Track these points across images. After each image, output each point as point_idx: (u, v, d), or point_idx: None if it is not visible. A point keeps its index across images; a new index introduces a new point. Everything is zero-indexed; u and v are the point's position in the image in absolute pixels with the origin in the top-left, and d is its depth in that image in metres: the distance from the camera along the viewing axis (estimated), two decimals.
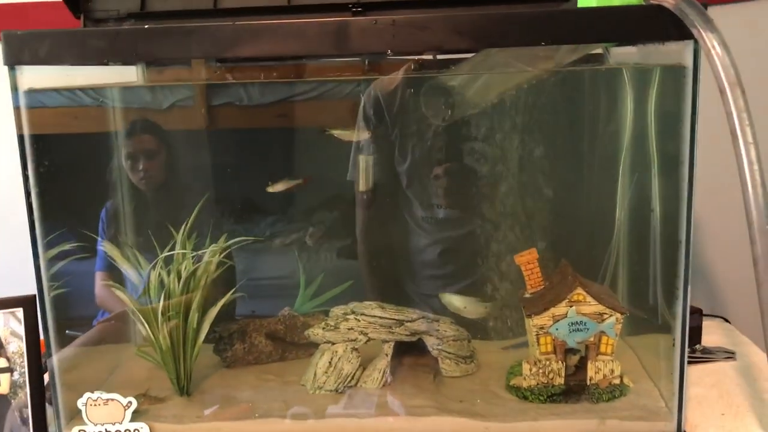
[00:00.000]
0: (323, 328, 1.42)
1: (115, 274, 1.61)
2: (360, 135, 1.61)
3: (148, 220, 1.65)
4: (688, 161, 1.19)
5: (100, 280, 1.69)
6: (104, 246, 1.43)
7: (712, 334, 1.80)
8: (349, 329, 1.41)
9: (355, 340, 1.41)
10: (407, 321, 1.41)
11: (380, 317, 1.41)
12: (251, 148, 1.93)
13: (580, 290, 1.31)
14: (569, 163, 1.56)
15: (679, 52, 1.18)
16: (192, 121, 1.81)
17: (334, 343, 1.41)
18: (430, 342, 1.43)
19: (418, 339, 1.43)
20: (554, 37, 1.17)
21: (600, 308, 1.31)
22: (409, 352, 1.45)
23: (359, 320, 1.41)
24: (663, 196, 1.41)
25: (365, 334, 1.41)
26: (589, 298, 1.31)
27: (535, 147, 1.51)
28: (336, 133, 1.58)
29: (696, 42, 1.12)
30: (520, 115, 1.49)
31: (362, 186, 1.57)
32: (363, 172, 1.57)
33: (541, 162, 1.53)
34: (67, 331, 1.55)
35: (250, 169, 1.85)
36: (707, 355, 1.67)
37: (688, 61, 1.14)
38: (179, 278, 1.35)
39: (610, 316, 1.31)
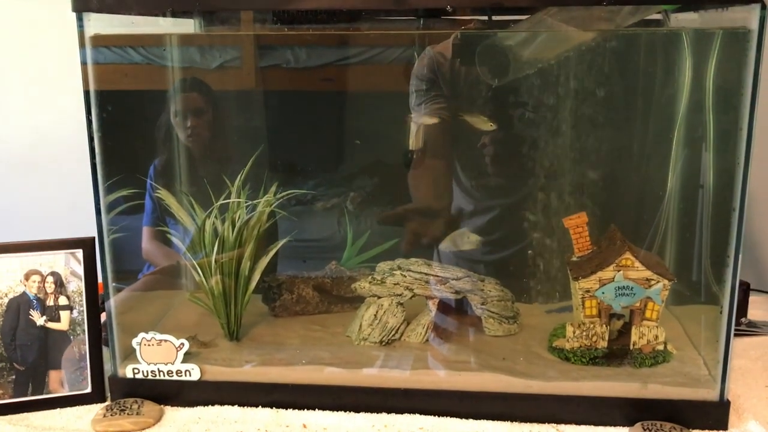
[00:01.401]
0: (370, 282, 1.45)
1: (163, 230, 1.68)
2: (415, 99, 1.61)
3: (195, 176, 1.68)
4: (747, 127, 1.18)
5: (147, 235, 1.75)
6: (160, 194, 1.47)
7: (758, 309, 1.79)
8: (395, 284, 1.43)
9: (400, 295, 1.43)
10: (453, 279, 1.43)
11: (426, 274, 1.43)
12: (296, 111, 1.91)
13: (628, 255, 1.31)
14: (622, 129, 1.54)
15: (743, 17, 1.16)
16: (240, 82, 1.82)
17: (379, 297, 1.44)
18: (474, 301, 1.45)
19: (463, 297, 1.45)
20: None
21: (647, 274, 1.31)
22: (453, 310, 1.47)
23: (405, 276, 1.44)
24: (718, 165, 1.39)
25: (410, 290, 1.43)
26: (637, 264, 1.31)
27: (588, 114, 1.50)
28: (470, 119, 1.54)
29: (763, 7, 1.11)
30: (574, 79, 1.47)
31: (412, 145, 1.58)
32: (414, 134, 1.57)
33: (593, 129, 1.52)
34: (113, 284, 1.64)
35: (294, 132, 1.85)
36: (752, 329, 1.66)
37: (753, 25, 1.12)
38: (233, 227, 1.38)
39: (658, 282, 1.31)
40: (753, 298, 1.79)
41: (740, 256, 1.26)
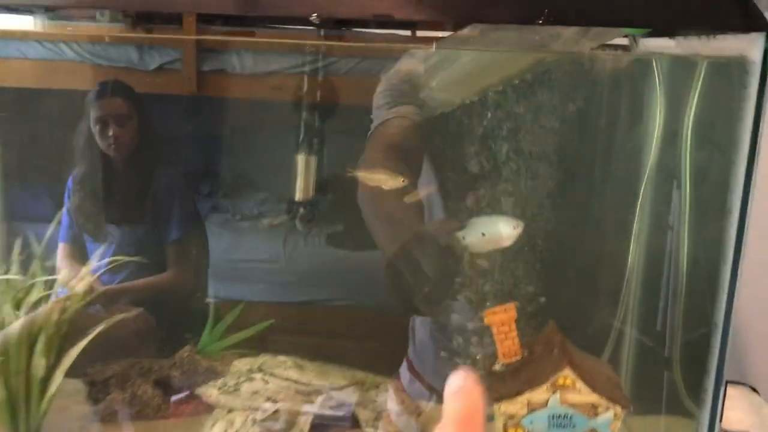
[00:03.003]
0: (219, 389, 1.06)
1: (80, 248, 1.55)
2: None
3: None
4: (741, 200, 0.82)
5: (62, 252, 1.56)
6: None
7: (735, 409, 1.47)
8: (253, 393, 1.05)
9: (259, 409, 1.05)
10: (333, 389, 1.05)
11: (296, 381, 1.05)
12: (241, 120, 1.89)
13: (568, 371, 0.94)
14: (567, 189, 1.17)
15: (738, 47, 0.81)
16: (179, 86, 1.76)
17: (231, 410, 1.05)
18: (364, 416, 1.07)
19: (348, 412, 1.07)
20: (560, 14, 0.79)
21: (593, 399, 0.95)
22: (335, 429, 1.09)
23: (268, 381, 1.05)
24: (698, 238, 1.04)
25: (274, 402, 1.05)
26: (579, 384, 0.94)
27: (526, 165, 1.12)
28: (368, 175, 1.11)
29: None
30: (508, 120, 1.08)
31: (298, 195, 1.19)
32: (301, 176, 1.18)
33: (533, 182, 1.14)
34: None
35: (239, 142, 1.82)
36: None
37: (755, 56, 0.77)
38: (18, 309, 0.99)
39: (607, 409, 0.95)
40: (730, 392, 1.45)
41: (724, 378, 0.92)
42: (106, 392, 1.16)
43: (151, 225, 1.62)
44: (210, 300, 1.55)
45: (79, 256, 1.55)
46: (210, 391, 1.06)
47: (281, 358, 1.08)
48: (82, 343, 1.03)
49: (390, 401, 1.09)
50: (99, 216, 1.59)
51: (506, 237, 1.03)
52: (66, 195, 1.52)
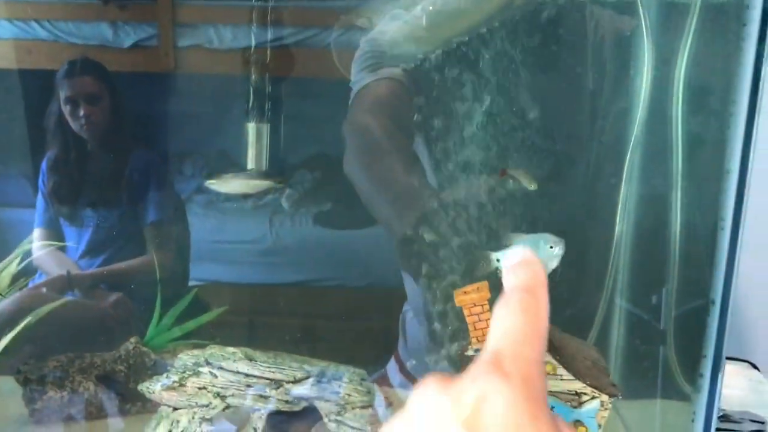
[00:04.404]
0: (162, 384, 0.95)
1: (56, 232, 1.52)
2: None
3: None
4: (741, 158, 0.72)
5: (38, 237, 1.52)
6: None
7: (735, 388, 1.36)
8: (199, 389, 0.94)
9: (207, 406, 0.94)
10: (288, 381, 0.94)
11: (246, 374, 0.94)
12: (223, 96, 1.79)
13: (548, 356, 0.84)
14: (545, 146, 1.05)
15: None
16: (156, 63, 1.68)
17: (176, 409, 0.94)
18: (325, 409, 0.96)
19: (309, 407, 0.97)
20: None
21: (577, 386, 0.85)
22: (292, 426, 0.98)
23: (216, 376, 0.94)
24: (690, 201, 0.94)
25: (223, 398, 0.94)
26: (561, 370, 0.84)
27: (502, 124, 1.00)
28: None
29: None
30: (474, 76, 0.96)
31: (250, 164, 1.08)
32: (252, 146, 1.07)
33: (505, 143, 1.02)
34: None
35: (222, 120, 1.75)
36: (728, 425, 1.21)
37: None
38: None
39: (592, 398, 0.85)
40: (728, 369, 1.34)
41: (723, 362, 0.83)
42: (42, 391, 1.05)
43: (128, 207, 1.57)
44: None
45: (56, 240, 1.51)
46: (152, 387, 0.95)
47: (230, 349, 0.96)
48: (5, 341, 0.92)
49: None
50: (74, 199, 1.55)
51: (546, 260, 0.89)
52: (40, 179, 1.49)
